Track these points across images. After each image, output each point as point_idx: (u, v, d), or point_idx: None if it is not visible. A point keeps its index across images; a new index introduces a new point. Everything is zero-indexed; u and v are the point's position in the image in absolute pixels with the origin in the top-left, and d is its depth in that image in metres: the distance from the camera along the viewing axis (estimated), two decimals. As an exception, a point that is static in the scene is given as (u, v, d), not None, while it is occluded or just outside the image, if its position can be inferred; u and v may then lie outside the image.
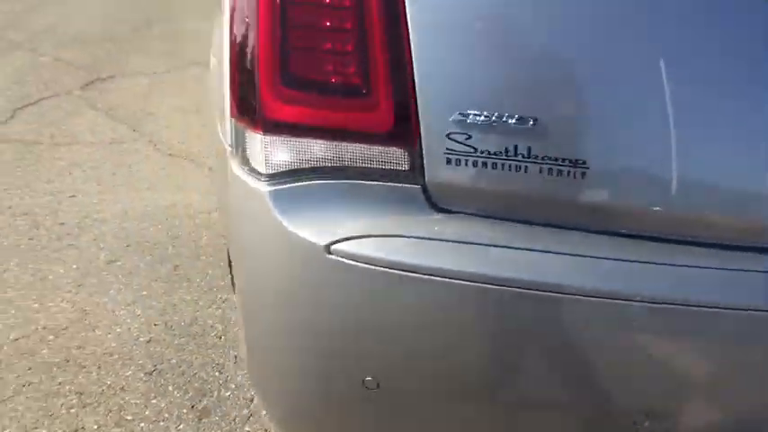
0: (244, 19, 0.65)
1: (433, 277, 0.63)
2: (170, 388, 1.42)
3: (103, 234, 2.00)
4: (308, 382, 0.68)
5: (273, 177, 0.66)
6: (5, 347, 1.52)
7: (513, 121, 0.62)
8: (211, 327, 1.62)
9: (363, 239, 0.62)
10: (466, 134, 0.63)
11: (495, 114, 0.62)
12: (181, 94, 3.33)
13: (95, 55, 3.93)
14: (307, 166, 0.66)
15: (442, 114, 0.62)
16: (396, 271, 0.62)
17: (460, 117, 0.62)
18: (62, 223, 2.05)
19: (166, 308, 1.68)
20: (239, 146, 0.69)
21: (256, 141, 0.66)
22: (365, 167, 0.65)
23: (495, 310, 0.63)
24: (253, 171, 0.67)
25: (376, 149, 0.64)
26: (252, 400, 1.40)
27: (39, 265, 1.83)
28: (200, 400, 1.39)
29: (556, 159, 0.64)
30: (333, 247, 0.63)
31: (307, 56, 0.63)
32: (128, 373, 1.46)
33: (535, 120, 0.62)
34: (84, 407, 1.36)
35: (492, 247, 0.64)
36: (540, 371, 0.64)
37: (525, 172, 0.64)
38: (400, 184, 0.64)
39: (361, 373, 0.65)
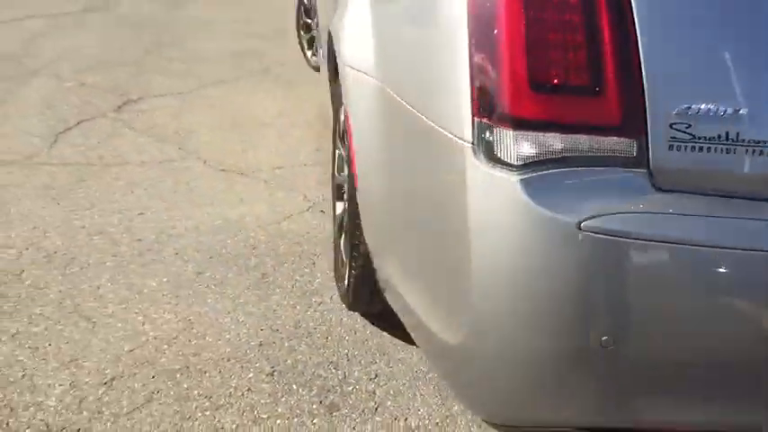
0: (488, 36, 0.75)
1: (663, 244, 0.73)
2: (294, 386, 1.49)
3: (183, 248, 2.05)
4: (549, 348, 0.77)
5: (522, 168, 0.76)
6: (123, 358, 1.56)
7: (728, 111, 0.73)
8: (314, 328, 1.69)
9: (606, 216, 0.72)
10: (687, 123, 0.73)
11: (713, 105, 0.73)
12: (212, 113, 3.39)
13: (118, 78, 3.96)
14: (549, 156, 0.76)
15: (666, 108, 0.73)
16: (634, 241, 0.72)
17: (683, 109, 0.73)
18: (139, 239, 2.10)
19: (267, 313, 1.74)
20: (484, 142, 0.78)
21: (507, 137, 0.76)
22: (599, 156, 0.76)
23: (721, 271, 0.73)
24: (501, 163, 0.77)
25: (608, 140, 0.74)
26: (374, 392, 1.47)
27: (130, 280, 1.87)
28: (325, 396, 1.46)
29: (758, 142, 0.75)
30: (583, 224, 0.73)
31: (547, 63, 0.73)
32: (249, 376, 1.52)
33: (745, 109, 0.73)
34: (217, 409, 1.42)
35: (709, 218, 0.75)
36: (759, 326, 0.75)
37: (734, 154, 0.75)
38: (628, 169, 0.74)
39: (600, 332, 0.74)
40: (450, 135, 0.84)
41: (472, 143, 0.81)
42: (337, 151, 1.90)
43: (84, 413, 1.40)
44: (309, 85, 4.01)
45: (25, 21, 5.63)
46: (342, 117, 1.41)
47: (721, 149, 0.74)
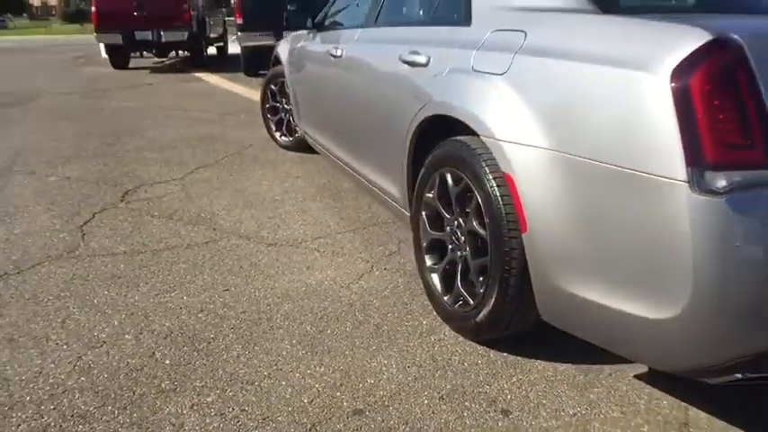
0: (692, 120, 1.24)
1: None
2: (467, 403, 1.76)
3: (289, 313, 2.23)
4: (745, 303, 1.22)
5: (723, 194, 1.23)
6: (309, 408, 1.73)
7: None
8: (449, 359, 1.97)
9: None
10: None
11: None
12: (220, 195, 3.55)
13: (100, 171, 3.95)
14: (735, 185, 1.23)
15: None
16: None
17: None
18: (243, 312, 2.25)
19: (403, 354, 2.00)
20: (696, 180, 1.24)
21: (711, 176, 1.23)
22: (762, 183, 1.25)
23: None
24: (710, 192, 1.23)
25: (761, 173, 1.24)
26: (528, 396, 1.79)
27: (264, 346, 2.02)
28: (496, 406, 1.75)
29: None
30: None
31: (728, 133, 1.24)
32: (425, 402, 1.76)
33: None
34: (419, 429, 1.66)
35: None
36: None
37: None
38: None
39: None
40: (664, 179, 1.28)
41: (687, 181, 1.26)
42: (424, 212, 2.26)
43: (308, 456, 1.57)
44: (290, 163, 4.30)
45: (-49, 120, 5.28)
46: (485, 182, 1.79)
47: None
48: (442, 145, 2.09)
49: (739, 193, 1.24)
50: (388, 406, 1.76)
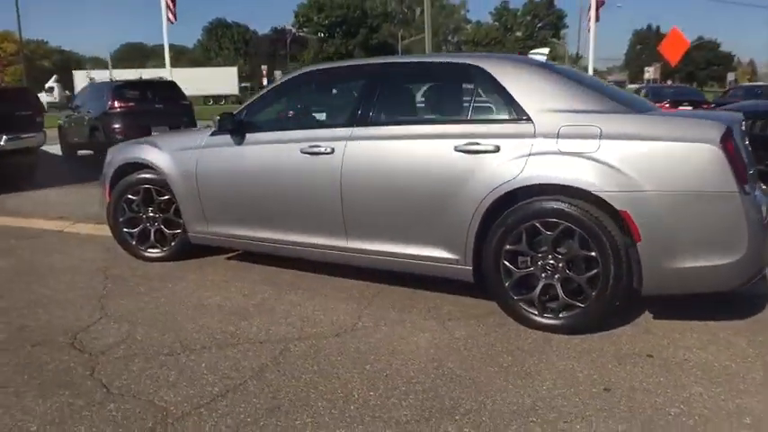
0: (728, 162, 2.50)
1: None
2: (611, 361, 2.53)
3: (462, 362, 2.46)
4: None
5: (749, 194, 2.55)
6: None
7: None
8: (585, 349, 2.67)
9: None
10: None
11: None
12: (187, 315, 3.07)
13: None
14: (750, 190, 2.56)
15: None
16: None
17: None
18: (433, 370, 2.35)
19: (558, 354, 2.57)
20: (743, 191, 2.50)
21: (746, 187, 2.53)
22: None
23: None
24: (746, 194, 2.53)
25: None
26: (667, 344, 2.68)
27: (494, 387, 2.27)
28: (640, 355, 2.58)
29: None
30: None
31: (742, 169, 2.54)
32: (599, 365, 2.44)
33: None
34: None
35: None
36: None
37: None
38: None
39: None
40: (728, 192, 2.48)
41: (738, 192, 2.49)
42: (505, 260, 2.86)
43: None
44: (192, 273, 3.86)
45: None
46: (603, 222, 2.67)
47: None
48: (525, 206, 2.80)
49: (751, 193, 2.58)
50: (587, 381, 2.38)
